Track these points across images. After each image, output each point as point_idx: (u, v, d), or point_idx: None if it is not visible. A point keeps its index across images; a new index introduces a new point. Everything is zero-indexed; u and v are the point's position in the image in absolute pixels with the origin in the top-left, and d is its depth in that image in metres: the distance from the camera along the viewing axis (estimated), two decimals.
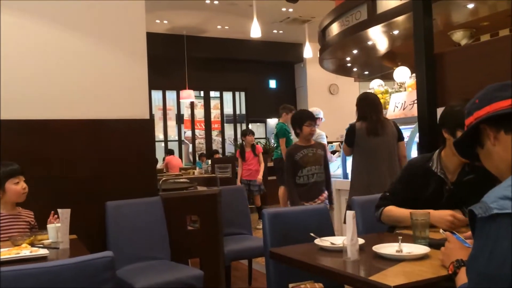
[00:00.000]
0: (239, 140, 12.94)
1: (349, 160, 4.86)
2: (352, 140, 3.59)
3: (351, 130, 3.62)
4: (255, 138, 10.54)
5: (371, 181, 3.42)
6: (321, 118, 5.70)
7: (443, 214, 1.96)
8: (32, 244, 2.20)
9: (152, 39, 8.09)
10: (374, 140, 3.48)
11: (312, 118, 3.81)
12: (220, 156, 11.06)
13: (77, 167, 3.09)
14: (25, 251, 2.05)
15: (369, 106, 3.55)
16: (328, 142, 6.18)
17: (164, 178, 3.72)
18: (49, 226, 2.34)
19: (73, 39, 3.15)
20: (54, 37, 3.09)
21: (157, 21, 10.29)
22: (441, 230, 1.77)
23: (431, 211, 1.95)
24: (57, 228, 2.28)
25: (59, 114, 3.08)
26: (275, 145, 6.50)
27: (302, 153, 3.75)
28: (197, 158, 11.98)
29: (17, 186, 2.47)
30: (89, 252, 1.91)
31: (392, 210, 2.13)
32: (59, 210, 2.30)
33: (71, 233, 2.33)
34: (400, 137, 3.62)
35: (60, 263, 1.53)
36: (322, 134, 5.37)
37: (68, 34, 3.14)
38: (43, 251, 2.09)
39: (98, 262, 1.54)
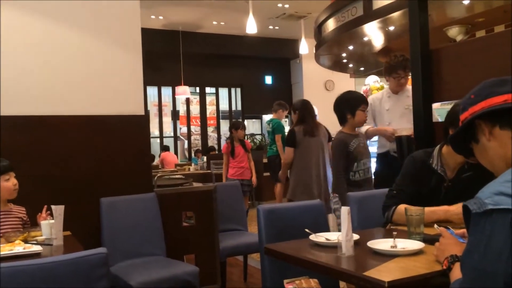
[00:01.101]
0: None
1: None
2: (294, 141, 4.07)
3: (292, 133, 4.12)
4: (252, 135, 10.51)
5: (309, 175, 3.99)
6: (316, 115, 5.69)
7: (459, 211, 1.91)
8: (26, 241, 2.19)
9: (148, 35, 8.06)
10: (310, 140, 4.04)
11: (366, 102, 3.27)
12: (216, 152, 11.05)
13: (71, 163, 3.07)
14: (19, 247, 2.04)
15: (308, 112, 4.18)
16: None
17: (159, 174, 3.71)
18: (42, 222, 2.33)
19: (67, 34, 3.13)
20: (49, 33, 3.07)
21: (153, 16, 10.23)
22: (435, 226, 1.77)
23: (450, 207, 1.95)
24: (51, 225, 2.26)
25: (53, 110, 3.06)
26: (269, 141, 6.46)
27: (355, 143, 3.18)
28: (192, 154, 11.97)
29: (8, 183, 2.46)
30: (83, 249, 1.90)
31: (401, 209, 2.02)
32: (53, 207, 2.29)
33: (65, 230, 2.32)
34: (330, 138, 4.19)
35: (53, 259, 1.52)
36: None
37: (62, 29, 3.11)
38: (37, 248, 2.08)
39: (92, 258, 1.53)
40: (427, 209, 1.95)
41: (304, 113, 4.17)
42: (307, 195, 3.87)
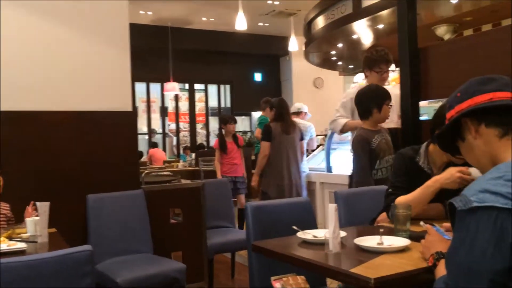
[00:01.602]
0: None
1: (333, 154, 4.89)
2: (270, 136, 4.32)
3: (268, 128, 4.37)
4: (241, 131, 10.38)
5: (281, 170, 4.28)
6: (306, 113, 5.64)
7: (451, 176, 1.90)
8: (10, 238, 2.16)
9: (136, 30, 7.98)
10: (286, 137, 4.29)
11: (391, 97, 3.06)
12: (205, 149, 11.02)
13: (57, 160, 3.04)
14: (3, 245, 2.01)
15: (285, 110, 4.42)
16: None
17: (147, 171, 3.69)
18: (27, 219, 2.30)
19: (54, 30, 3.09)
20: (35, 28, 3.03)
21: (141, 12, 10.15)
22: (421, 223, 1.78)
23: (436, 176, 1.95)
24: (36, 222, 2.23)
25: (40, 106, 3.02)
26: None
27: (377, 139, 3.01)
28: (181, 151, 11.92)
29: None
30: (68, 246, 1.88)
31: (402, 199, 2.00)
32: (38, 204, 2.26)
33: (50, 227, 2.29)
34: (302, 137, 4.50)
35: (38, 257, 1.51)
36: (311, 125, 5.27)
37: (49, 25, 3.07)
38: (21, 245, 2.05)
39: (77, 256, 1.51)
40: (417, 190, 1.96)
41: (282, 111, 4.41)
42: (279, 188, 4.22)
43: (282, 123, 4.32)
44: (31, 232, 2.26)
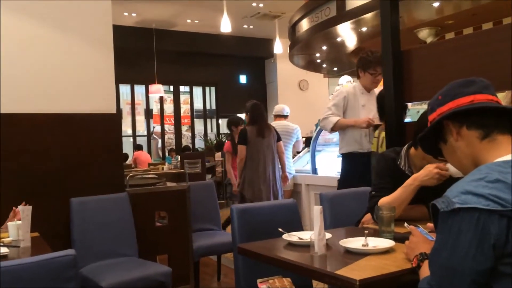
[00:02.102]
0: (210, 136, 12.87)
1: (318, 156, 4.92)
2: (245, 140, 4.38)
3: (244, 132, 4.45)
4: (225, 134, 10.17)
5: (257, 172, 4.35)
6: (287, 116, 5.44)
7: (429, 173, 1.92)
8: None
9: (121, 32, 7.94)
10: (261, 140, 4.37)
11: None
12: (191, 151, 10.96)
13: (40, 162, 2.99)
14: None
15: (258, 114, 4.50)
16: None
17: (131, 174, 3.66)
18: (9, 223, 2.26)
19: (36, 31, 3.04)
20: (16, 29, 2.98)
21: (125, 13, 10.08)
22: (405, 224, 1.80)
23: (414, 175, 1.97)
24: (18, 226, 2.20)
25: (22, 108, 2.97)
26: None
27: None
28: (166, 153, 11.85)
29: None
30: (51, 250, 1.86)
31: (384, 200, 2.02)
32: (20, 207, 2.23)
33: (33, 231, 2.26)
34: (279, 138, 4.57)
35: (20, 262, 1.48)
36: (297, 128, 5.20)
37: (31, 25, 3.03)
38: (3, 250, 2.02)
39: (60, 260, 1.49)
40: (398, 190, 1.98)
41: (255, 114, 4.51)
42: (255, 190, 4.32)
43: (256, 127, 4.40)
44: (13, 236, 2.22)
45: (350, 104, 3.57)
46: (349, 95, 3.59)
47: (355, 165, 3.51)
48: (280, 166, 4.57)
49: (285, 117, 5.38)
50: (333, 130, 3.60)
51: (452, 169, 1.84)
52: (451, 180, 1.85)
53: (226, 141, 5.24)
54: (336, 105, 3.57)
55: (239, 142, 4.46)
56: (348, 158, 3.57)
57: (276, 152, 4.48)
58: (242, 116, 5.77)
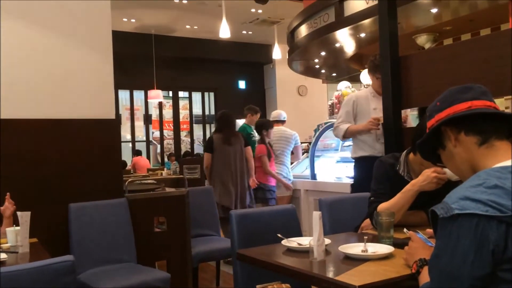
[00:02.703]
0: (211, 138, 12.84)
1: (317, 161, 4.92)
2: (211, 147, 4.63)
3: (210, 140, 4.72)
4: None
5: (227, 177, 4.57)
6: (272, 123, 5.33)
7: (427, 177, 1.92)
8: None
9: (120, 37, 7.94)
10: (227, 147, 4.60)
11: None
12: (191, 157, 10.96)
13: (40, 168, 2.99)
14: None
15: (224, 122, 4.75)
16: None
17: (130, 179, 3.65)
18: (7, 229, 2.25)
19: (36, 37, 3.05)
20: (17, 34, 2.99)
21: (125, 19, 10.11)
22: (405, 229, 1.80)
23: (413, 181, 1.97)
24: (17, 232, 2.20)
25: (22, 114, 2.97)
26: None
27: None
28: (165, 159, 11.84)
29: None
30: (50, 256, 1.85)
31: (383, 206, 2.02)
32: (19, 213, 2.23)
33: (32, 237, 2.25)
34: (246, 144, 4.78)
35: (18, 268, 1.48)
36: (294, 134, 5.23)
37: (31, 31, 3.04)
38: (2, 256, 2.01)
39: (58, 266, 1.49)
40: (397, 195, 1.98)
41: (220, 123, 4.80)
42: (226, 194, 4.53)
43: (222, 135, 4.64)
44: (12, 242, 2.22)
45: (361, 108, 3.48)
46: (359, 99, 3.52)
47: (368, 170, 3.41)
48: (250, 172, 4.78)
49: (282, 122, 5.39)
50: (344, 137, 3.56)
51: (449, 172, 1.84)
52: (449, 185, 1.85)
53: (257, 145, 5.02)
54: (346, 111, 3.52)
55: (205, 150, 4.74)
56: (361, 163, 3.47)
57: (243, 158, 4.69)
58: (243, 121, 5.79)
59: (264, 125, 5.04)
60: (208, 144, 4.69)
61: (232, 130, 4.76)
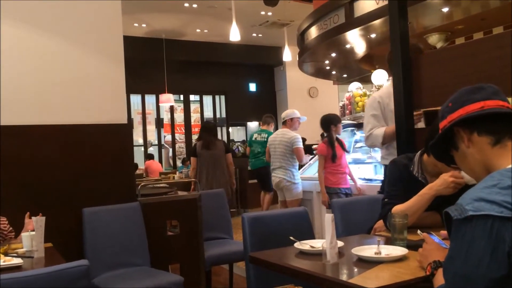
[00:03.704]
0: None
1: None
2: (195, 153, 5.51)
3: (194, 146, 5.63)
4: (239, 142, 10.30)
5: (208, 178, 5.38)
6: (295, 119, 5.18)
7: (445, 182, 1.90)
8: (6, 254, 2.14)
9: (131, 42, 8.00)
10: (207, 152, 5.40)
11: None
12: None
13: (53, 173, 3.03)
14: None
15: (205, 131, 5.58)
16: (309, 145, 6.16)
17: (143, 183, 3.68)
18: (23, 234, 2.28)
19: (48, 42, 3.09)
20: (30, 41, 3.03)
21: (136, 24, 10.19)
22: (418, 231, 1.79)
23: (430, 184, 1.96)
24: (32, 237, 2.22)
25: (35, 120, 3.01)
26: (258, 152, 6.19)
27: None
28: (177, 163, 11.89)
29: None
30: (64, 261, 1.87)
31: (398, 208, 1.98)
32: (34, 218, 2.26)
33: (46, 241, 2.28)
34: (228, 150, 5.58)
35: (34, 272, 1.50)
36: (293, 136, 5.03)
37: (43, 37, 3.07)
38: (17, 261, 2.03)
39: (73, 271, 1.50)
40: (413, 198, 1.96)
41: (201, 132, 5.70)
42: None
43: (202, 141, 5.48)
44: (27, 247, 2.25)
45: (389, 107, 3.13)
46: (383, 98, 3.18)
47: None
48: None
49: (284, 123, 5.21)
50: (384, 143, 3.14)
51: (466, 176, 1.82)
52: (464, 186, 1.83)
53: (320, 142, 4.62)
54: (373, 115, 3.17)
55: (191, 155, 5.68)
56: None
57: (223, 161, 5.45)
58: (254, 124, 5.90)
59: (332, 120, 4.57)
60: (192, 150, 5.64)
61: (212, 137, 5.51)
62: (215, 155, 5.42)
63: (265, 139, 5.84)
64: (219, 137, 13.33)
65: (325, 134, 4.64)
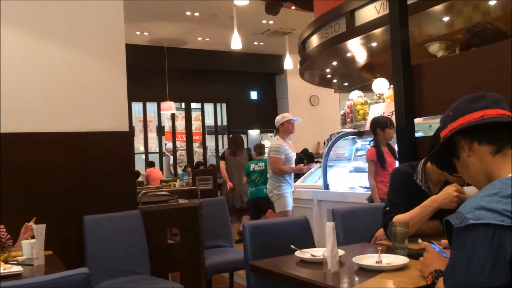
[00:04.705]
0: (221, 152, 12.89)
1: (330, 171, 4.90)
2: (223, 157, 6.82)
3: (223, 153, 6.99)
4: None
5: (233, 179, 6.52)
6: (289, 120, 4.77)
7: (449, 196, 1.89)
8: (6, 261, 2.14)
9: (133, 50, 8.03)
10: (233, 158, 6.61)
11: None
12: (204, 167, 10.99)
13: (54, 181, 3.03)
14: None
15: (233, 141, 6.94)
16: (311, 153, 6.13)
17: (143, 191, 3.67)
18: (23, 242, 2.28)
19: (50, 50, 3.11)
20: (32, 48, 3.05)
21: (138, 32, 10.25)
22: (419, 240, 1.78)
23: (433, 196, 1.95)
24: (32, 244, 2.21)
25: (36, 127, 3.02)
26: (259, 180, 5.69)
27: None
28: (179, 170, 11.89)
29: None
30: (65, 269, 1.87)
31: (400, 217, 1.97)
32: (34, 226, 2.25)
33: (47, 249, 2.27)
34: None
35: (34, 280, 1.49)
36: (276, 146, 4.67)
37: (45, 45, 3.09)
38: (17, 268, 2.02)
39: (73, 279, 1.50)
40: (415, 209, 1.95)
41: (231, 142, 7.27)
42: (232, 191, 6.57)
43: (230, 149, 6.79)
44: (27, 255, 2.24)
45: None
46: None
47: None
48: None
49: (278, 131, 4.85)
50: None
51: (468, 192, 1.82)
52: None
53: (370, 147, 4.18)
54: None
55: (220, 159, 7.04)
56: None
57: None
58: (255, 131, 5.85)
59: (378, 124, 4.11)
60: (221, 156, 7.04)
61: (238, 146, 6.74)
62: (240, 160, 6.54)
63: (263, 167, 5.59)
64: (220, 146, 13.44)
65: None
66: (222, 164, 6.75)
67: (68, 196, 3.05)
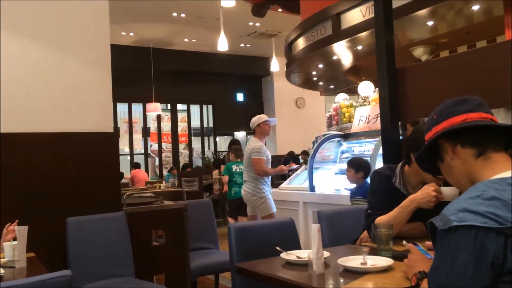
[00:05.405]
0: (207, 153, 12.86)
1: (316, 173, 4.92)
2: (223, 162, 6.05)
3: (223, 157, 6.99)
4: (223, 152, 10.56)
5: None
6: (265, 121, 4.78)
7: (427, 195, 1.90)
8: None
9: (118, 51, 7.97)
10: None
11: None
12: (190, 169, 10.95)
13: (36, 182, 2.98)
14: None
15: (232, 144, 7.11)
16: (297, 155, 6.14)
17: (128, 193, 3.64)
18: (4, 244, 2.24)
19: (34, 50, 3.06)
20: (16, 49, 3.00)
21: (123, 33, 10.17)
22: (404, 242, 1.80)
23: (411, 196, 1.96)
24: (14, 246, 2.18)
25: (20, 127, 2.97)
26: (241, 181, 5.60)
27: None
28: (164, 172, 11.82)
29: None
30: (47, 271, 1.84)
31: (381, 219, 2.00)
32: (16, 227, 2.21)
33: (29, 251, 2.24)
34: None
35: (16, 283, 1.47)
36: (257, 147, 4.66)
37: (29, 45, 3.05)
38: None
39: (55, 281, 1.48)
40: (394, 210, 1.97)
41: (230, 146, 7.27)
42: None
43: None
44: (9, 257, 2.20)
45: None
46: None
47: None
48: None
49: (254, 132, 4.84)
50: None
51: (446, 193, 1.85)
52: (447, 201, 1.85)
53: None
54: None
55: (220, 163, 7.28)
56: None
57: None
58: (241, 133, 5.78)
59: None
60: (222, 159, 7.20)
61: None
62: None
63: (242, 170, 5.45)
64: (206, 148, 13.39)
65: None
66: (222, 168, 6.87)
67: (51, 197, 3.01)
